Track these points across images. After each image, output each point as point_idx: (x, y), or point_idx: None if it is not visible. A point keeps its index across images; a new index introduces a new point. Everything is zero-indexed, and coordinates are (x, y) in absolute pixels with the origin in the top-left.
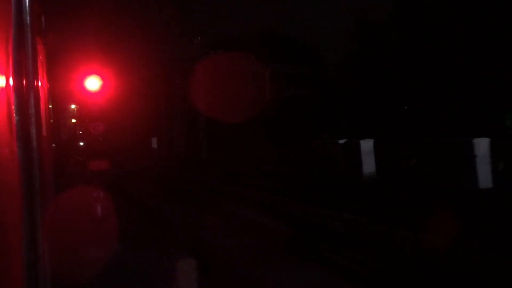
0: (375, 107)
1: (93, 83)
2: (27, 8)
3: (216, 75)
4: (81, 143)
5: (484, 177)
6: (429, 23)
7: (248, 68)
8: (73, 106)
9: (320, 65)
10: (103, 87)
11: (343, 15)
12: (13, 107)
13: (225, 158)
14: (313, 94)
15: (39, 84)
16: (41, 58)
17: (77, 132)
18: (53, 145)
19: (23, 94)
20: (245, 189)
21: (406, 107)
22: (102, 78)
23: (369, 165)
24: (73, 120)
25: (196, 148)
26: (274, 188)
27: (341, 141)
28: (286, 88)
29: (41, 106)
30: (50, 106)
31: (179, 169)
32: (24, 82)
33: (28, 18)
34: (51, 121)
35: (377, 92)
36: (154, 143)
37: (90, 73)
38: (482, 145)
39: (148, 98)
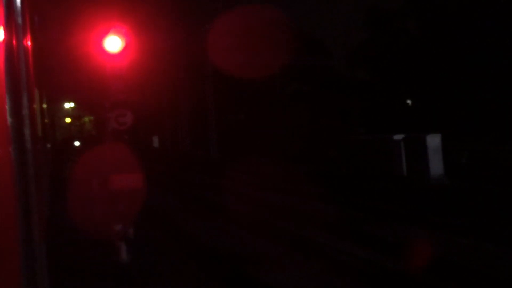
0: (393, 100)
1: (114, 42)
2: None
3: (225, 66)
4: (77, 143)
5: None
6: (452, 8)
7: (257, 60)
8: (66, 106)
9: (326, 57)
10: (125, 51)
11: (349, 3)
12: (6, 107)
13: (239, 157)
14: (327, 88)
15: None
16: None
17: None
18: (48, 145)
19: (16, 93)
20: (289, 198)
21: (408, 101)
22: (125, 37)
23: (436, 165)
24: (67, 120)
25: (204, 147)
26: (326, 195)
27: (398, 137)
28: (296, 81)
29: (34, 106)
30: (44, 105)
31: (194, 171)
32: (17, 83)
33: (20, 19)
34: (46, 121)
35: (393, 84)
36: (156, 141)
37: (110, 29)
38: None
39: (149, 93)
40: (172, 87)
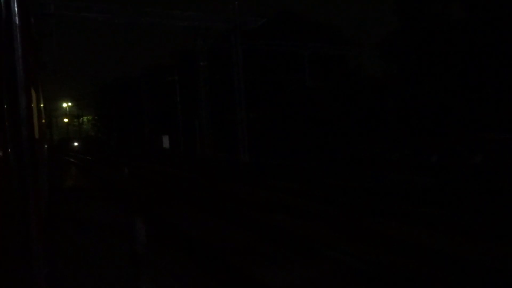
0: (432, 96)
1: None
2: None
3: (252, 54)
4: (76, 143)
5: None
6: None
7: (285, 48)
8: (64, 105)
9: (352, 48)
10: None
11: None
12: (5, 107)
13: (277, 161)
14: (356, 82)
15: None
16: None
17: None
18: (46, 146)
19: (14, 94)
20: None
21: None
22: None
23: None
24: (65, 120)
25: (231, 148)
26: (474, 225)
27: None
28: (325, 73)
29: (32, 106)
30: (41, 105)
31: (234, 182)
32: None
33: (17, 19)
34: (43, 121)
35: (433, 76)
36: (166, 142)
37: None
38: None
39: (156, 86)
40: (189, 76)
